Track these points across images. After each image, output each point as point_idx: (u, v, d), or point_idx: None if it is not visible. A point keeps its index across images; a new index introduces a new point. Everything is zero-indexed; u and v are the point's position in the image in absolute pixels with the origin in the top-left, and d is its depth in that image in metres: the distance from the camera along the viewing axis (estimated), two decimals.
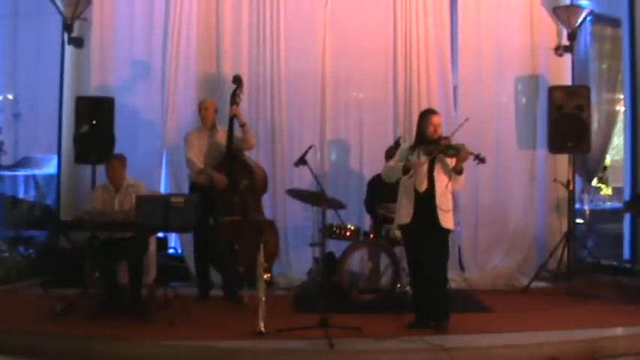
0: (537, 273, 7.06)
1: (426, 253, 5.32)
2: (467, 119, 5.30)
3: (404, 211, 5.39)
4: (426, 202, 5.28)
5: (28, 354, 4.89)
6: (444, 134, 5.47)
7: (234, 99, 6.41)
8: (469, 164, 5.30)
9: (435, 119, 5.39)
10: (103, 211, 5.83)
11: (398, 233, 6.17)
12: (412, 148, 5.43)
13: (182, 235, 6.91)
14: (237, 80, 6.47)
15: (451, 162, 5.26)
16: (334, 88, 7.47)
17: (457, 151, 5.17)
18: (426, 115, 5.46)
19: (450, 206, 5.33)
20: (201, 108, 6.54)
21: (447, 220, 5.28)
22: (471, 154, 5.14)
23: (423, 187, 5.29)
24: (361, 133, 7.48)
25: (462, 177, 5.29)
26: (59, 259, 6.85)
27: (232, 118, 6.40)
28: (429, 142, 5.32)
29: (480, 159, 5.16)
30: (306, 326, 5.03)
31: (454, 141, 5.26)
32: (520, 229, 7.41)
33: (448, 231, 5.35)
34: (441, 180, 5.28)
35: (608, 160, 8.64)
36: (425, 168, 5.27)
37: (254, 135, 6.75)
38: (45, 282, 6.70)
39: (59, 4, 7.09)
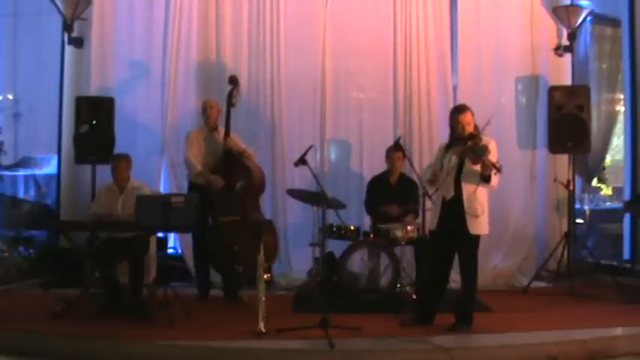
0: (537, 273, 7.06)
1: (451, 258, 5.34)
2: (491, 117, 5.22)
3: (432, 217, 5.40)
4: (453, 208, 5.22)
5: (28, 354, 4.89)
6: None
7: (230, 99, 6.41)
8: None
9: (463, 117, 5.25)
10: (109, 215, 5.84)
11: (398, 233, 6.20)
12: (447, 148, 5.36)
13: (182, 235, 6.91)
14: (233, 81, 6.47)
15: (478, 167, 5.11)
16: (334, 88, 7.47)
17: (477, 157, 5.02)
18: (453, 114, 5.36)
19: (481, 210, 5.21)
20: (207, 107, 6.51)
21: (476, 226, 5.21)
22: (492, 164, 4.97)
23: (450, 194, 5.25)
24: (361, 133, 7.48)
25: (494, 181, 5.12)
26: (59, 259, 6.85)
27: (228, 118, 6.38)
28: (459, 141, 5.24)
29: (496, 168, 4.99)
30: (306, 326, 5.03)
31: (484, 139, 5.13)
32: (520, 229, 7.41)
33: (477, 236, 5.28)
34: (467, 186, 5.20)
35: (608, 160, 8.65)
36: (452, 175, 5.23)
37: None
38: (45, 282, 6.70)
39: (59, 4, 7.08)
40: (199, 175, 6.33)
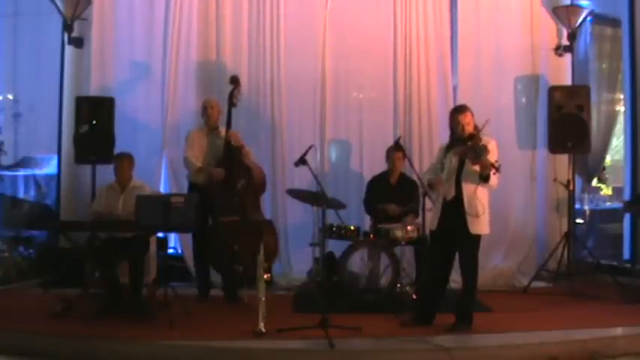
0: (537, 273, 7.06)
1: (451, 258, 5.33)
2: (487, 120, 5.21)
3: (433, 218, 5.40)
4: (454, 208, 5.23)
5: (28, 354, 4.89)
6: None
7: (232, 99, 6.42)
8: None
9: (463, 118, 5.27)
10: (109, 214, 5.84)
11: (398, 233, 6.20)
12: (447, 148, 5.37)
13: (182, 235, 6.91)
14: (234, 81, 6.48)
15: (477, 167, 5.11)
16: (334, 88, 7.47)
17: (477, 157, 5.03)
18: (453, 114, 5.38)
19: (482, 210, 5.21)
20: (207, 107, 6.52)
21: (476, 226, 5.21)
22: (491, 164, 4.97)
23: (451, 194, 5.25)
24: (361, 133, 7.48)
25: (493, 181, 5.12)
26: (59, 259, 6.86)
27: (230, 118, 6.39)
28: (460, 142, 5.25)
29: (495, 168, 5.00)
30: (306, 326, 5.03)
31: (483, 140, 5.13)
32: (520, 229, 7.41)
33: (478, 236, 5.28)
34: (468, 186, 5.20)
35: (608, 160, 8.64)
36: (452, 176, 5.24)
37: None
38: (45, 282, 6.70)
39: (59, 4, 7.08)
40: (199, 171, 6.33)
